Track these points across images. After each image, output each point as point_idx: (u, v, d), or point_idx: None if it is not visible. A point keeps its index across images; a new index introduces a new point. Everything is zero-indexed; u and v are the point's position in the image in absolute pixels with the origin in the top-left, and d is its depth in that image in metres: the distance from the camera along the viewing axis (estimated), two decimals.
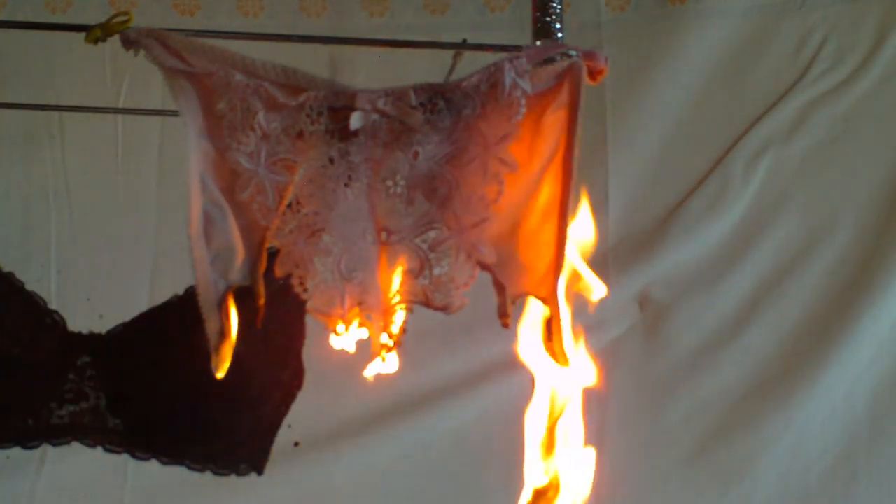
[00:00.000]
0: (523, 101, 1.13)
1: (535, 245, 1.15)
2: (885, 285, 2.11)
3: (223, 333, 1.14)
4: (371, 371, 1.15)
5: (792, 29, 2.18)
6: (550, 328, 1.14)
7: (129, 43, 1.14)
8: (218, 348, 1.14)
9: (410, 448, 2.13)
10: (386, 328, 1.14)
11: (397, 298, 1.14)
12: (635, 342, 2.18)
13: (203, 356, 1.15)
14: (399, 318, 1.14)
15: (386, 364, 1.14)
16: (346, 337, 1.14)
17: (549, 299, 1.14)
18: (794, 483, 2.14)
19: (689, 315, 2.17)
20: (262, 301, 1.16)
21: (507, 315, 1.15)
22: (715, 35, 2.17)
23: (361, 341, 1.15)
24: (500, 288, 1.15)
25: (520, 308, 1.18)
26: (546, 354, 1.14)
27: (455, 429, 2.11)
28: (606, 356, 2.16)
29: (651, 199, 2.18)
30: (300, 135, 1.13)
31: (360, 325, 1.14)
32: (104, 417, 1.59)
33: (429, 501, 2.14)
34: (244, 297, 1.17)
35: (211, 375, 1.16)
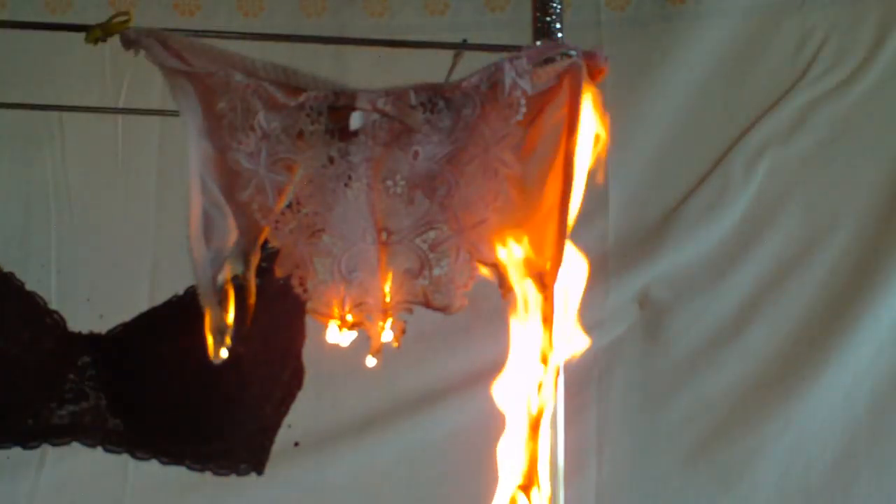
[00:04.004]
0: (523, 101, 1.13)
1: (535, 245, 1.15)
2: (885, 285, 2.11)
3: (223, 332, 1.14)
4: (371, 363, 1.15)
5: (792, 29, 2.18)
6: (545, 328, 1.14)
7: (129, 43, 1.14)
8: (217, 347, 1.14)
9: (410, 448, 2.13)
10: (385, 329, 1.14)
11: (397, 299, 1.14)
12: (635, 342, 2.18)
13: (203, 356, 1.15)
14: (399, 318, 1.14)
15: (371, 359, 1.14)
16: (345, 336, 1.14)
17: (547, 295, 1.14)
18: (794, 483, 2.14)
19: (689, 315, 2.17)
20: (252, 300, 1.16)
21: (509, 288, 1.15)
22: (715, 35, 2.17)
23: (362, 341, 1.15)
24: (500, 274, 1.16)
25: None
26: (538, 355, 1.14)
27: (455, 429, 2.11)
28: (606, 356, 2.17)
29: (651, 199, 2.18)
30: (300, 135, 1.13)
31: (360, 325, 1.14)
32: (104, 417, 1.58)
33: (429, 501, 2.14)
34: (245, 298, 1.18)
35: (211, 375, 1.16)
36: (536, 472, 1.13)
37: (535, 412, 1.14)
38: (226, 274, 1.14)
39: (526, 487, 1.13)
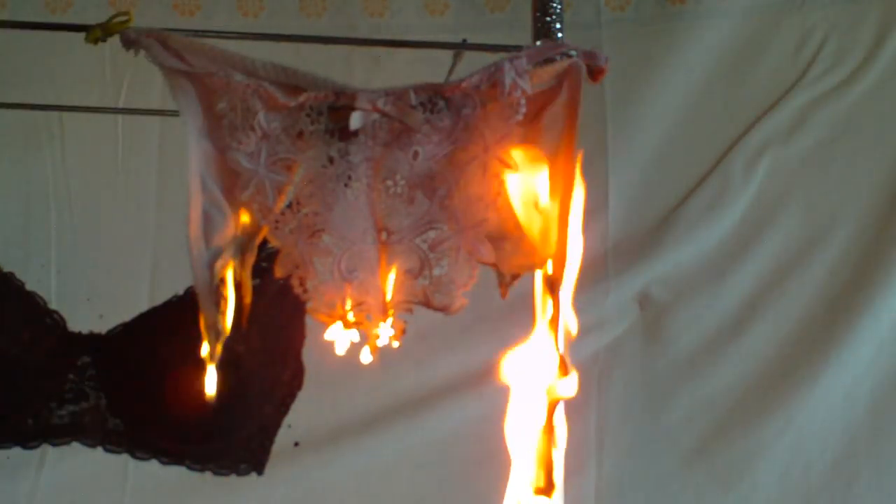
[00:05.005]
0: (523, 101, 1.13)
1: (536, 245, 1.15)
2: (885, 285, 2.11)
3: (219, 334, 1.14)
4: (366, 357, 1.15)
5: (792, 29, 2.18)
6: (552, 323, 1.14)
7: (129, 43, 1.14)
8: (212, 350, 1.14)
9: (410, 448, 2.13)
10: (385, 329, 1.14)
11: (397, 299, 1.14)
12: (635, 342, 2.18)
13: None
14: (399, 318, 1.14)
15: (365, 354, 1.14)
16: (345, 335, 1.14)
17: (555, 298, 1.14)
18: (794, 483, 2.14)
19: (689, 315, 2.17)
20: (248, 300, 1.16)
21: (506, 287, 1.15)
22: (715, 35, 2.17)
23: (362, 341, 1.15)
24: (501, 273, 1.16)
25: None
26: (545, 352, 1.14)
27: (455, 429, 2.11)
28: (606, 356, 2.17)
29: (651, 199, 2.18)
30: (300, 135, 1.13)
31: (360, 325, 1.14)
32: (104, 417, 1.59)
33: (429, 501, 2.15)
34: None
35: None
36: (553, 474, 1.13)
37: (547, 413, 1.14)
38: (221, 272, 1.14)
39: (545, 491, 1.13)
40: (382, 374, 2.03)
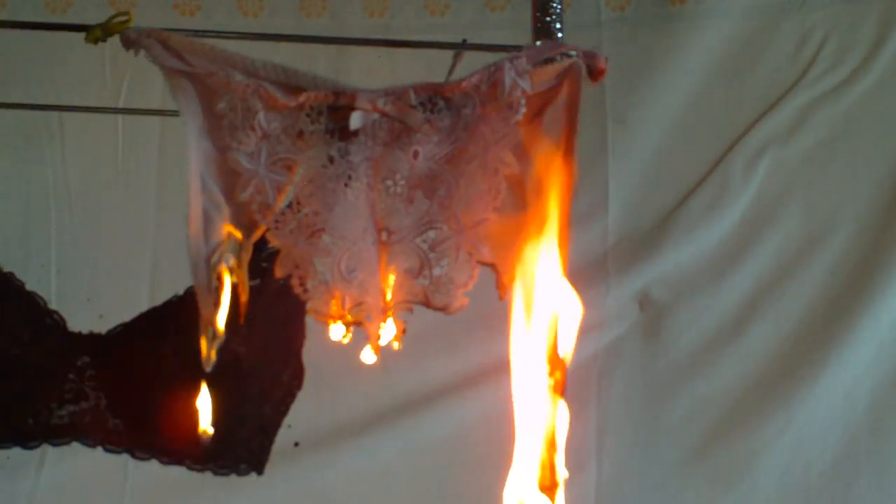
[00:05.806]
0: (523, 101, 1.13)
1: (535, 245, 1.15)
2: (885, 285, 2.11)
3: (216, 333, 1.14)
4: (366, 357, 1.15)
5: (792, 29, 2.18)
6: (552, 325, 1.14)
7: (129, 43, 1.14)
8: (209, 349, 1.14)
9: (410, 448, 2.13)
10: (384, 328, 1.14)
11: (397, 298, 1.14)
12: (635, 342, 2.18)
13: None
14: (399, 318, 1.14)
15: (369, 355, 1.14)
16: (344, 334, 1.14)
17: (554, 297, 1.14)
18: (794, 483, 2.14)
19: (689, 315, 2.17)
20: (245, 297, 1.16)
21: (504, 287, 1.15)
22: (715, 35, 2.17)
23: (362, 341, 1.15)
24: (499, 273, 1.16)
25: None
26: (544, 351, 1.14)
27: (455, 429, 2.11)
28: (606, 356, 2.17)
29: (651, 199, 2.18)
30: (300, 135, 1.14)
31: (360, 325, 1.14)
32: (104, 417, 1.59)
33: (429, 501, 2.14)
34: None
35: (211, 375, 1.16)
36: (556, 472, 1.13)
37: (548, 412, 1.14)
38: (217, 271, 1.14)
39: (549, 489, 1.13)
40: (382, 374, 2.03)
